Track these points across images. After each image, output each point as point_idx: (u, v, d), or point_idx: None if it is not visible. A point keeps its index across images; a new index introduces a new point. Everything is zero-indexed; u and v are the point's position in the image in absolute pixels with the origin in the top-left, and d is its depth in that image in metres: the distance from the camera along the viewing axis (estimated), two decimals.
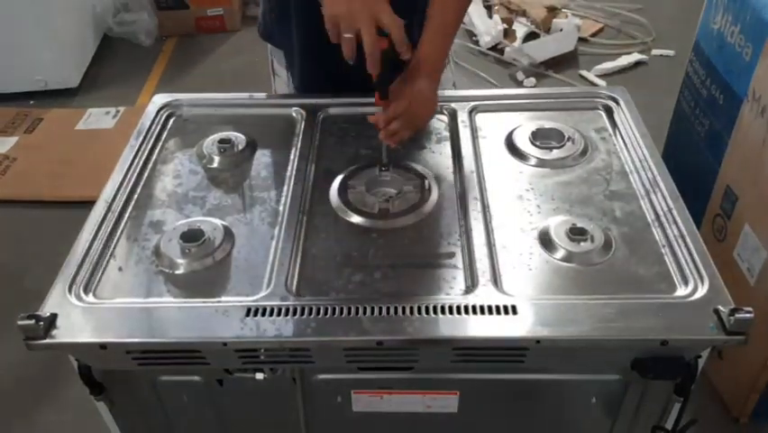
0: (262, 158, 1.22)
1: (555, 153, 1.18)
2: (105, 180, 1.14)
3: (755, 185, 1.48)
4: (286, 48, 1.32)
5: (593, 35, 3.47)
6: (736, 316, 0.84)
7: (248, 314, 0.89)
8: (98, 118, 2.99)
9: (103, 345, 0.88)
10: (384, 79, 1.04)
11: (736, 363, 1.65)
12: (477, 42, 3.43)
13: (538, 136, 1.21)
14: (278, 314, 0.89)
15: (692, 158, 1.75)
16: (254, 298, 0.93)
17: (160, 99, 1.34)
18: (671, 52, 3.28)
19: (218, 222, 1.05)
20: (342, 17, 0.97)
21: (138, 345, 0.89)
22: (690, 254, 0.95)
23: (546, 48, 3.24)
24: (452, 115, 1.28)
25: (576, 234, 0.99)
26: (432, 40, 1.09)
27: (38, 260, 2.22)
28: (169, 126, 1.31)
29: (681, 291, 0.92)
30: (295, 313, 0.89)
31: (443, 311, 0.89)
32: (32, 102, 3.14)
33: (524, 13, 3.52)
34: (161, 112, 1.32)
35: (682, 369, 0.90)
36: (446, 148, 1.22)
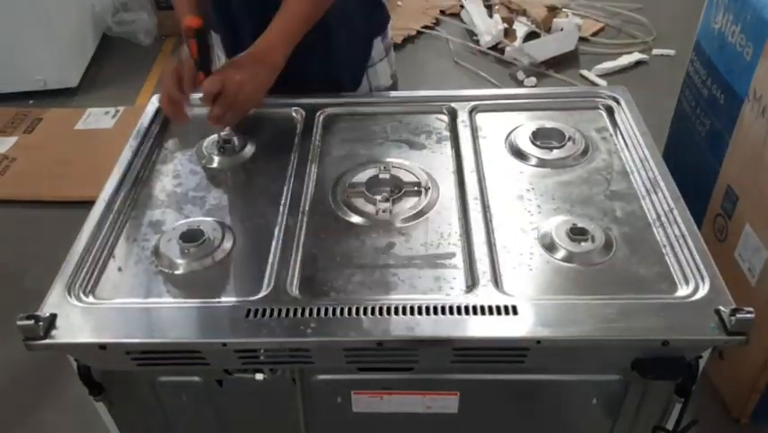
0: (262, 158, 1.22)
1: (556, 153, 1.18)
2: (104, 180, 1.14)
3: (756, 185, 1.48)
4: (221, 32, 1.35)
5: (594, 35, 3.47)
6: (737, 316, 0.83)
7: (248, 314, 0.89)
8: (98, 118, 2.99)
9: (102, 346, 0.88)
10: (205, 58, 1.11)
11: (736, 363, 1.65)
12: (477, 42, 3.43)
13: (539, 136, 1.21)
14: (278, 314, 0.89)
15: (693, 158, 1.75)
16: (254, 298, 0.92)
17: (159, 99, 1.34)
18: (671, 52, 3.28)
19: (218, 222, 1.05)
20: None
21: (137, 346, 0.89)
22: (691, 254, 0.95)
23: (547, 47, 3.23)
24: (453, 115, 1.28)
25: (577, 234, 0.99)
26: (270, 32, 1.15)
27: (37, 260, 2.22)
28: (168, 126, 1.30)
29: (682, 291, 0.91)
30: (295, 313, 0.89)
31: (443, 311, 0.88)
32: (31, 102, 3.14)
33: (524, 13, 3.52)
34: (161, 112, 1.32)
35: (683, 369, 0.90)
36: (446, 148, 1.21)
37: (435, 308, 0.89)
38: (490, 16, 3.54)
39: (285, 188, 1.13)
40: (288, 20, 1.15)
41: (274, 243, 1.02)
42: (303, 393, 1.00)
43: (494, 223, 1.04)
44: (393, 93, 1.37)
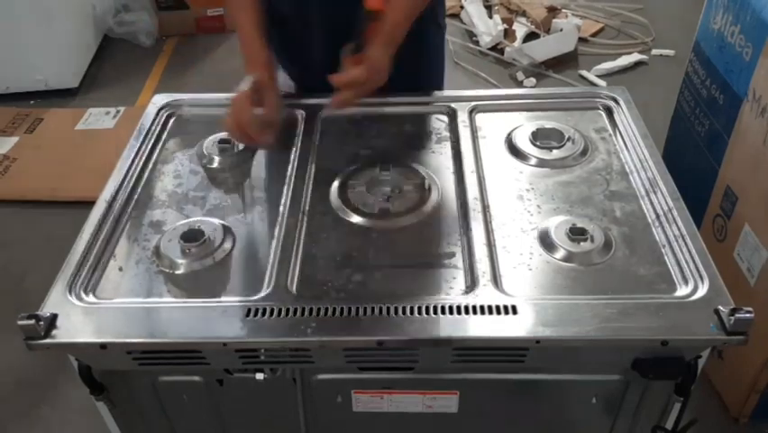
0: (262, 158, 1.22)
1: (555, 153, 1.18)
2: (105, 180, 1.14)
3: (755, 185, 1.48)
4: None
5: (593, 35, 3.47)
6: (737, 316, 0.84)
7: (248, 314, 0.89)
8: (98, 118, 2.99)
9: (103, 345, 0.88)
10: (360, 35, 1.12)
11: (736, 363, 1.65)
12: (477, 42, 3.43)
13: (538, 136, 1.21)
14: (279, 314, 0.89)
15: (692, 158, 1.75)
16: (254, 298, 0.93)
17: (160, 99, 1.34)
18: (671, 52, 3.28)
19: (218, 222, 1.05)
20: None
21: (138, 346, 0.89)
22: (691, 254, 0.95)
23: (546, 48, 3.23)
24: (452, 115, 1.28)
25: (576, 234, 0.99)
26: (394, 12, 1.15)
27: (38, 260, 2.22)
28: (169, 126, 1.31)
29: (682, 291, 0.92)
30: (295, 313, 0.89)
31: (443, 311, 0.89)
32: (32, 102, 3.14)
33: (524, 14, 3.52)
34: (161, 112, 1.32)
35: (683, 369, 0.90)
36: (446, 148, 1.22)
37: (435, 308, 0.89)
38: (490, 17, 3.54)
39: (285, 188, 1.13)
40: (403, 7, 1.16)
41: (274, 243, 1.02)
42: (303, 393, 1.00)
43: (494, 223, 1.04)
44: (393, 92, 1.37)
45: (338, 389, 1.00)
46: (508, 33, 3.43)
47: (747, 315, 0.84)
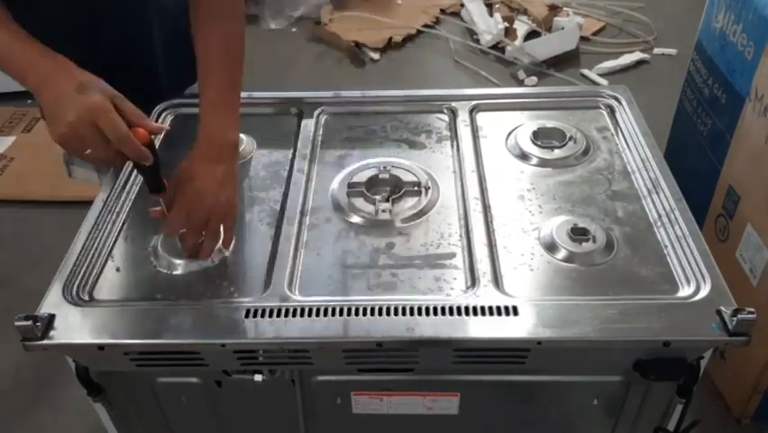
0: (262, 158, 1.21)
1: (557, 153, 1.17)
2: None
3: (758, 185, 1.48)
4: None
5: (595, 34, 3.46)
6: (739, 317, 0.83)
7: (247, 315, 0.89)
8: None
9: (100, 347, 0.87)
10: (153, 173, 0.91)
11: (738, 363, 1.64)
12: (477, 41, 3.43)
13: (540, 136, 1.20)
14: (278, 315, 0.88)
15: (695, 157, 1.74)
16: (253, 298, 0.92)
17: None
18: (673, 51, 3.27)
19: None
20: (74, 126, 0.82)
21: (136, 347, 0.89)
22: (693, 255, 0.95)
23: (548, 46, 3.22)
24: (453, 115, 1.28)
25: (578, 234, 0.99)
26: (212, 115, 0.95)
27: (36, 260, 2.21)
28: (167, 125, 1.30)
29: (684, 292, 0.91)
30: (294, 314, 0.88)
31: (443, 312, 0.88)
32: (29, 101, 3.12)
33: (525, 12, 3.51)
34: (159, 111, 1.31)
35: (685, 370, 0.90)
36: (447, 147, 1.21)
37: (435, 309, 0.88)
38: (491, 15, 3.53)
39: (285, 188, 1.12)
40: (223, 89, 0.96)
41: (273, 243, 1.01)
42: (302, 395, 1.00)
43: (495, 223, 1.04)
44: (393, 92, 1.36)
45: (337, 390, 0.99)
46: (509, 32, 3.42)
47: (750, 316, 0.83)
